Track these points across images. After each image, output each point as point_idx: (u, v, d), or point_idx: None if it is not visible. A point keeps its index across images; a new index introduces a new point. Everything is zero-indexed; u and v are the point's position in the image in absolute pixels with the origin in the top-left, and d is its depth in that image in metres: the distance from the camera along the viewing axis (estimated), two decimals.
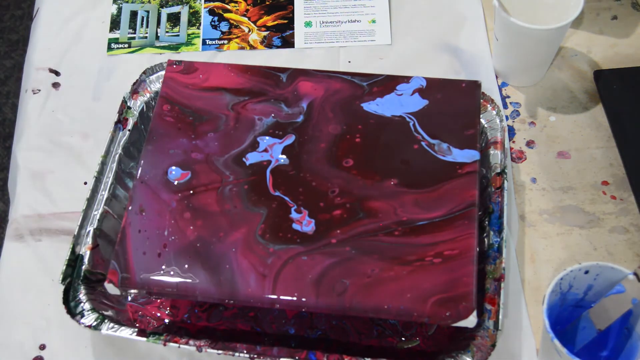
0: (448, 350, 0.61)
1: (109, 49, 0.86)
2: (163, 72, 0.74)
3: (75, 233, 0.66)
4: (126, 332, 0.62)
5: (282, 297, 0.59)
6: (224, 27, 0.87)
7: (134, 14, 0.88)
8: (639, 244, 0.70)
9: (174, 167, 0.66)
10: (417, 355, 0.64)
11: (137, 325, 0.65)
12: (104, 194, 0.68)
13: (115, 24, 0.87)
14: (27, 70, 0.85)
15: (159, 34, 0.86)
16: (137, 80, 0.75)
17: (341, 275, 0.59)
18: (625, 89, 0.78)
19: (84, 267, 0.65)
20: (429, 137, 0.67)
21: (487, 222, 0.66)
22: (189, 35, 0.86)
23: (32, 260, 0.71)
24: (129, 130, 0.72)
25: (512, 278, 0.68)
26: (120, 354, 0.65)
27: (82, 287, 0.64)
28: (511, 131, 0.77)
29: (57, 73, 0.83)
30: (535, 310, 0.67)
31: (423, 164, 0.65)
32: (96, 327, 0.62)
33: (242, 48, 0.85)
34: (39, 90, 0.82)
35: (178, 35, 0.86)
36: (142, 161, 0.66)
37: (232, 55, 0.84)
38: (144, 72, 0.75)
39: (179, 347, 0.60)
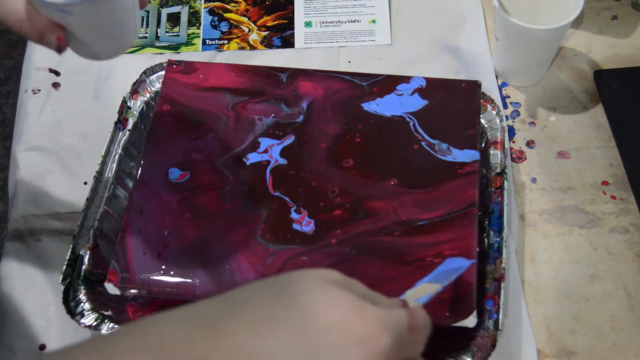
0: (448, 350, 0.61)
1: None
2: (163, 72, 0.74)
3: (75, 233, 0.65)
4: None
5: None
6: (224, 27, 0.87)
7: None
8: (639, 244, 0.70)
9: (174, 167, 0.66)
10: None
11: None
12: (104, 194, 0.68)
13: None
14: (27, 70, 0.85)
15: (159, 34, 0.86)
16: (137, 80, 0.75)
17: None
18: (625, 89, 0.78)
19: (84, 267, 0.65)
20: (429, 137, 0.67)
21: (487, 222, 0.66)
22: (189, 35, 0.86)
23: (32, 260, 0.71)
24: (129, 130, 0.72)
25: (512, 278, 0.68)
26: None
27: (82, 287, 0.64)
28: (511, 131, 0.77)
29: (57, 73, 0.83)
30: (535, 310, 0.67)
31: (423, 164, 0.65)
32: (96, 327, 0.62)
33: (242, 48, 0.85)
34: (39, 90, 0.82)
35: (178, 35, 0.86)
36: (142, 161, 0.66)
37: (232, 55, 0.84)
38: (144, 72, 0.75)
39: None
